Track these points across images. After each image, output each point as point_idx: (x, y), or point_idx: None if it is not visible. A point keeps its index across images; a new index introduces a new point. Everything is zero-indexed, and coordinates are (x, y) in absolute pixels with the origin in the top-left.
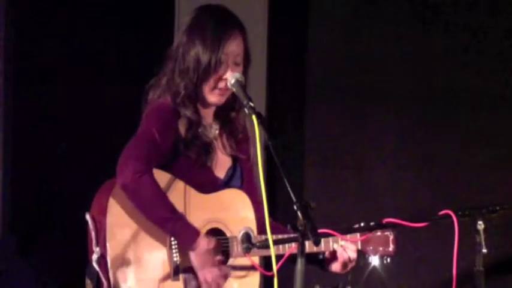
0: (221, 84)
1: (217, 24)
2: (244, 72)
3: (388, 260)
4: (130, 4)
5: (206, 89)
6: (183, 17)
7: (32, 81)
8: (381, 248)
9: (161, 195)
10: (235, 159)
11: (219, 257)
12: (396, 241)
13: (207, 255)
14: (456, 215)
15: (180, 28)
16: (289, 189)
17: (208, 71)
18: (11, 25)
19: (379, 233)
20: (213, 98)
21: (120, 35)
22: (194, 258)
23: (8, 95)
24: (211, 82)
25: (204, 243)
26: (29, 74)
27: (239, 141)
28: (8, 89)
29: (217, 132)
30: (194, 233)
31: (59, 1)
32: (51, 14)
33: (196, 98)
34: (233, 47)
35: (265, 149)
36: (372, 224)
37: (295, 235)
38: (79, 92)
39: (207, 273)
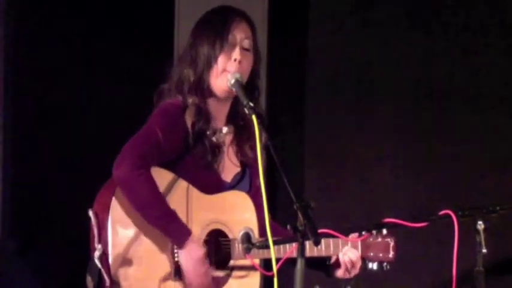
0: (230, 66)
1: (221, 14)
2: (256, 66)
3: (388, 266)
4: (131, 5)
5: (214, 74)
6: (183, 19)
7: (31, 81)
8: (381, 255)
9: (156, 193)
10: (244, 166)
11: (206, 265)
12: (396, 248)
13: (196, 260)
14: (456, 215)
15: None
16: (289, 189)
17: (215, 54)
18: (11, 25)
19: (379, 239)
20: (221, 83)
21: (120, 36)
22: (183, 258)
23: (8, 95)
24: (219, 66)
25: (193, 247)
26: (29, 74)
27: (250, 147)
28: (8, 89)
29: (227, 137)
30: (186, 233)
31: (59, 1)
32: (51, 14)
33: (204, 89)
34: (239, 30)
35: (265, 149)
36: (373, 233)
37: (294, 236)
38: (79, 92)
39: (193, 278)
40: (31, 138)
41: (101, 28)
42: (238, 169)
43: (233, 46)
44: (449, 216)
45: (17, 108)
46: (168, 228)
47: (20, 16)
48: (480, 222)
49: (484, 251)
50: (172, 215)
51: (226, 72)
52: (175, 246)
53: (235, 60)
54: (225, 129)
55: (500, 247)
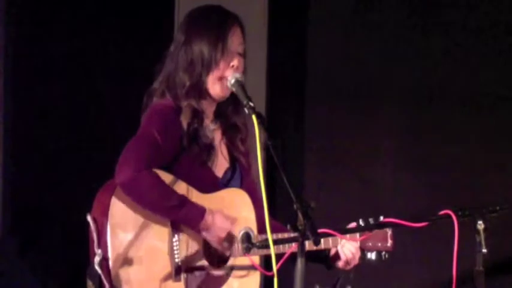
0: (228, 72)
1: (218, 17)
2: (244, 68)
3: (387, 255)
4: (130, 4)
5: (212, 80)
6: (183, 17)
7: (32, 81)
8: (379, 244)
9: (161, 185)
10: (234, 160)
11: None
12: (394, 236)
13: (218, 226)
14: (456, 215)
15: (176, 31)
16: (289, 189)
17: (216, 60)
18: (11, 25)
19: (377, 229)
20: (219, 90)
21: (120, 35)
22: (208, 236)
23: (8, 95)
24: (218, 72)
25: (210, 218)
26: (29, 74)
27: (241, 142)
28: (8, 89)
29: (216, 133)
30: (200, 212)
31: (59, 1)
32: (51, 14)
33: (200, 92)
34: (236, 37)
35: (265, 149)
36: (371, 223)
37: (295, 235)
38: (79, 92)
39: (223, 241)
40: (31, 138)
41: (101, 28)
42: (229, 163)
43: (232, 52)
44: (449, 216)
45: (17, 108)
46: (182, 214)
47: (20, 16)
48: (480, 222)
49: (484, 251)
50: (182, 200)
51: (225, 79)
52: (175, 247)
53: (232, 66)
54: (212, 126)
55: (500, 247)
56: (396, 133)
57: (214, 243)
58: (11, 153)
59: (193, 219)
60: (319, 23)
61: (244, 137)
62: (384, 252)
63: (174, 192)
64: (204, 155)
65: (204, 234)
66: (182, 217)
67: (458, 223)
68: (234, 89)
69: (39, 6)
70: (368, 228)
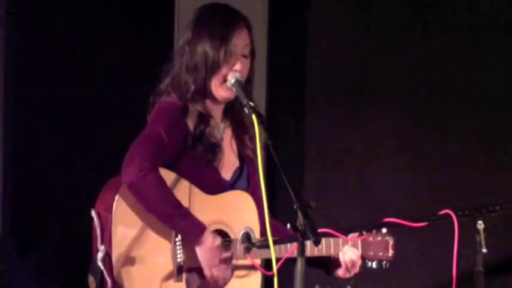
0: (231, 76)
1: (224, 18)
2: (251, 66)
3: (387, 265)
4: (131, 4)
5: (216, 83)
6: (183, 17)
7: (32, 81)
8: (380, 253)
9: (166, 191)
10: (242, 160)
11: (225, 255)
12: (395, 246)
13: (214, 251)
14: (456, 215)
15: (183, 28)
16: (289, 189)
17: (218, 63)
18: (12, 25)
19: (379, 238)
20: (223, 92)
21: (120, 35)
22: (200, 254)
23: (8, 95)
24: (221, 75)
25: (210, 239)
26: (29, 74)
27: (249, 138)
28: (8, 89)
29: (225, 132)
30: (201, 228)
31: (59, 1)
32: (51, 14)
33: (205, 95)
34: (241, 39)
35: (265, 149)
36: (371, 224)
37: (295, 235)
38: (79, 92)
39: (213, 269)
40: (31, 138)
41: (101, 27)
42: (237, 163)
43: (236, 55)
44: (449, 216)
45: (17, 108)
46: (182, 225)
47: (20, 16)
48: (480, 222)
49: (484, 251)
50: (185, 211)
51: (227, 82)
52: (177, 247)
53: (235, 70)
54: (221, 125)
55: (500, 247)
56: (396, 133)
57: (203, 264)
58: (11, 153)
59: (193, 233)
60: (319, 23)
61: (252, 133)
62: (384, 262)
63: (178, 202)
64: (210, 155)
65: (198, 250)
66: (182, 228)
67: (458, 223)
68: (234, 89)
69: (39, 6)
70: (369, 228)
